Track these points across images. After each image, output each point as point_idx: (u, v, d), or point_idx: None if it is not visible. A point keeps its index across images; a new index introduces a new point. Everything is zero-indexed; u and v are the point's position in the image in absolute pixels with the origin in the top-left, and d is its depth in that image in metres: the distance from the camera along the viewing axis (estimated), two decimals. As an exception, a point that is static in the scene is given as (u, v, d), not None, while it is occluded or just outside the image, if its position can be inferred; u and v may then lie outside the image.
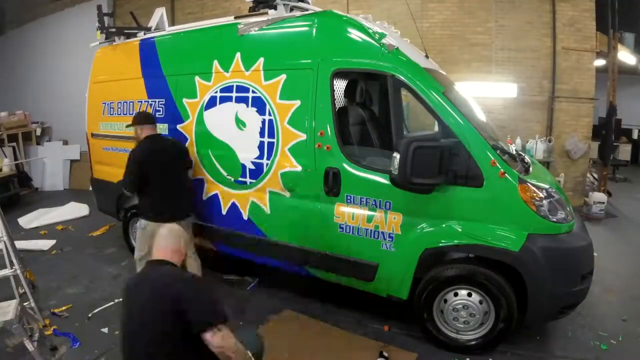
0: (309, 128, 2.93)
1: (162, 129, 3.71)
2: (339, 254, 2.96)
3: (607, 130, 6.59)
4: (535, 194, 2.53)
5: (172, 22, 6.78)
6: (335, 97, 2.94)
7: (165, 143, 3.26)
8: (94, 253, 4.61)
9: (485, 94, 5.75)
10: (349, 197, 2.85)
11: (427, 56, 3.34)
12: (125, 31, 4.27)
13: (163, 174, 3.11)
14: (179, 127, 3.60)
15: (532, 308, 2.55)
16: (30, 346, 2.37)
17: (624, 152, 10.29)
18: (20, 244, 4.73)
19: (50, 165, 7.82)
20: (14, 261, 2.98)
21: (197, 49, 3.56)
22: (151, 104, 3.77)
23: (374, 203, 2.77)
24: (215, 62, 3.34)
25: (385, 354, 2.69)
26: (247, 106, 3.19)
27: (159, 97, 3.72)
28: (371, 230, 2.81)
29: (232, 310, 3.28)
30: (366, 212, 2.81)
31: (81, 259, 4.45)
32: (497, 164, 2.48)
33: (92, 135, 4.41)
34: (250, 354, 1.74)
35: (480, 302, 2.65)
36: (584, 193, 6.37)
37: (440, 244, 2.64)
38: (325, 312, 3.29)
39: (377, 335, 3.00)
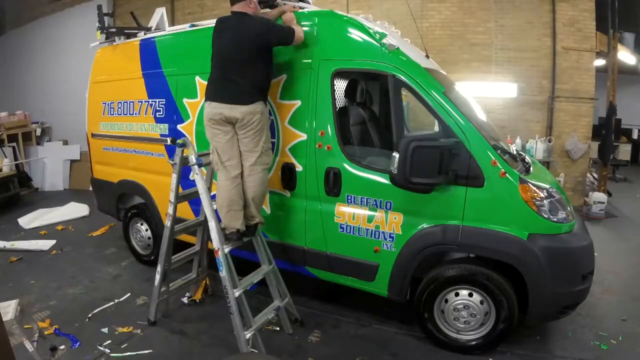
0: (310, 128, 2.93)
1: (162, 128, 3.71)
2: (340, 254, 2.96)
3: (607, 130, 6.59)
4: (536, 194, 2.52)
5: (172, 22, 6.78)
6: (336, 97, 2.94)
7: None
8: (94, 253, 4.60)
9: (485, 93, 5.76)
10: (349, 197, 2.85)
11: (427, 56, 3.34)
12: (126, 31, 4.25)
13: None
14: (179, 127, 3.59)
15: (532, 308, 2.55)
16: (29, 346, 2.37)
17: (624, 152, 10.29)
18: (20, 244, 4.75)
19: (50, 165, 7.82)
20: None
21: (197, 49, 3.54)
22: (151, 104, 3.77)
23: (374, 203, 2.77)
24: (216, 62, 3.33)
25: None
26: (248, 106, 3.18)
27: (159, 97, 3.72)
28: (372, 230, 2.81)
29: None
30: (367, 212, 2.81)
31: (81, 259, 4.44)
32: (498, 164, 2.48)
33: (93, 135, 4.41)
34: None
35: (481, 302, 2.65)
36: (584, 193, 6.38)
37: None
38: (325, 312, 3.29)
39: (378, 335, 3.01)
